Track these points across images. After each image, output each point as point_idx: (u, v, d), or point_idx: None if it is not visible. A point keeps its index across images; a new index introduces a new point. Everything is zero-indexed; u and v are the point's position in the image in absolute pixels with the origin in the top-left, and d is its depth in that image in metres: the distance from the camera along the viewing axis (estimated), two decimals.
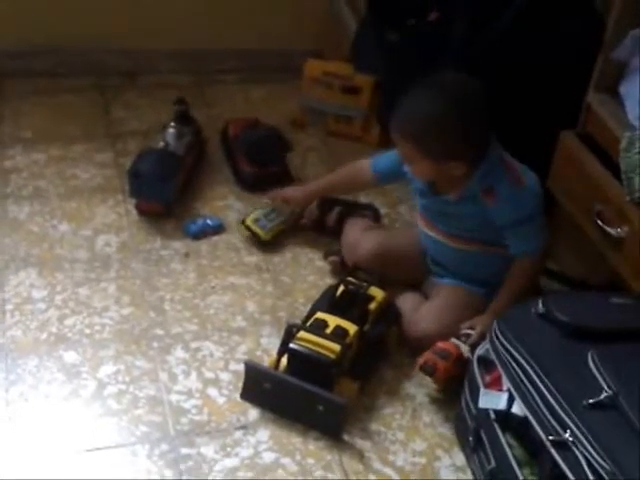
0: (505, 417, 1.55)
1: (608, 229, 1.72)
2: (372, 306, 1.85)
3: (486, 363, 1.64)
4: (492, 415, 1.57)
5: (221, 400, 1.77)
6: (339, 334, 1.75)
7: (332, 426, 1.70)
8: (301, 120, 2.64)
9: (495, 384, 1.60)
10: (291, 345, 1.74)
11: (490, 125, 1.81)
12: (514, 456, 1.52)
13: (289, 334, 1.76)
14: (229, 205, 2.31)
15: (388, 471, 1.67)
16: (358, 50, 2.59)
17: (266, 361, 1.82)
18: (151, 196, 2.21)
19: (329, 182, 2.17)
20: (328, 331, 1.75)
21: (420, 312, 1.92)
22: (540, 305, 1.56)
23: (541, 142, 1.97)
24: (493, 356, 1.60)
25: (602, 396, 1.38)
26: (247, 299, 2.03)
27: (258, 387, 1.74)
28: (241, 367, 1.78)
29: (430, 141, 1.77)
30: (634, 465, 1.29)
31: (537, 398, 1.45)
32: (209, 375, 1.82)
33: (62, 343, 1.86)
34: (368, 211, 2.24)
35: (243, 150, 2.39)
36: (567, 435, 1.37)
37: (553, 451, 1.39)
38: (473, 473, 1.66)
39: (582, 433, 1.35)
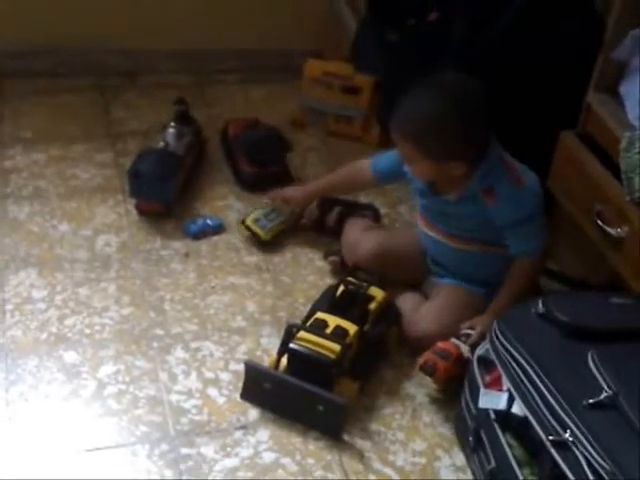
0: (505, 417, 1.55)
1: (608, 229, 1.72)
2: (372, 306, 1.85)
3: (486, 363, 1.64)
4: (492, 415, 1.57)
5: (221, 400, 1.77)
6: (339, 334, 1.75)
7: (332, 426, 1.70)
8: (301, 120, 2.64)
9: (495, 384, 1.60)
10: (291, 345, 1.74)
11: (490, 125, 1.81)
12: (514, 456, 1.52)
13: (289, 334, 1.76)
14: (229, 205, 2.31)
15: (388, 471, 1.67)
16: (358, 50, 2.58)
17: (266, 361, 1.82)
18: (151, 196, 2.21)
19: (329, 182, 2.17)
20: (328, 331, 1.75)
21: (420, 312, 1.92)
22: (540, 305, 1.56)
23: (541, 142, 1.97)
24: (493, 356, 1.60)
25: (602, 396, 1.38)
26: (247, 299, 2.03)
27: (258, 387, 1.74)
28: (241, 367, 1.78)
29: (430, 141, 1.77)
30: (634, 465, 1.29)
31: (537, 398, 1.45)
32: (209, 375, 1.82)
33: (62, 343, 1.86)
34: (368, 211, 2.24)
35: (243, 150, 2.39)
36: (567, 435, 1.37)
37: (553, 451, 1.39)
38: (473, 473, 1.66)
39: (582, 433, 1.35)
